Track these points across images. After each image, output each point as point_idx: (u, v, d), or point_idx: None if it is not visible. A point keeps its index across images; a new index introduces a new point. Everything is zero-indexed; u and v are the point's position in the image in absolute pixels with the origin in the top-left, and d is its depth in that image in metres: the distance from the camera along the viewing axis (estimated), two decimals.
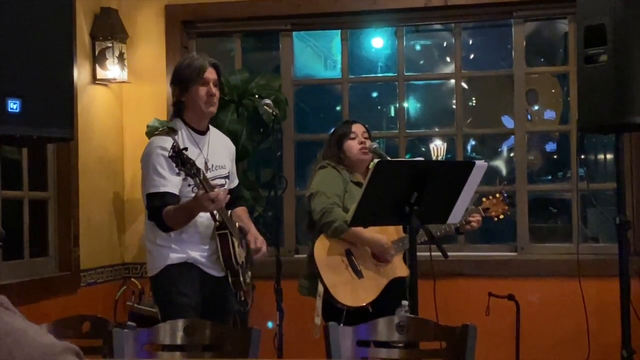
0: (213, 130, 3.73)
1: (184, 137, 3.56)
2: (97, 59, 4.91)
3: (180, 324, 2.53)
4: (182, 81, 3.57)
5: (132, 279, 4.92)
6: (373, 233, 3.93)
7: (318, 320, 3.91)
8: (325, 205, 3.93)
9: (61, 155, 4.59)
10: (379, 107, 7.89)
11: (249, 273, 3.57)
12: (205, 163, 3.54)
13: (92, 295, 4.77)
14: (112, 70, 4.93)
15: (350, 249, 3.95)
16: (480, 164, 3.45)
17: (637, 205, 4.77)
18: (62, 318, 2.79)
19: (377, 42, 6.72)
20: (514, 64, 5.13)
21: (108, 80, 4.98)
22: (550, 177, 6.94)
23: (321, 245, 3.95)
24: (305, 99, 6.32)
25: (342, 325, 3.68)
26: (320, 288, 3.90)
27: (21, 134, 2.78)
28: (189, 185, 3.31)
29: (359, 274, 3.92)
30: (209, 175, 3.45)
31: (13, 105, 2.73)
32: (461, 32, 5.24)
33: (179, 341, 2.51)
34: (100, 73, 4.92)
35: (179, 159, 3.10)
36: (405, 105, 5.37)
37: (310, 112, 7.00)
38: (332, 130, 4.32)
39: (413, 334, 2.57)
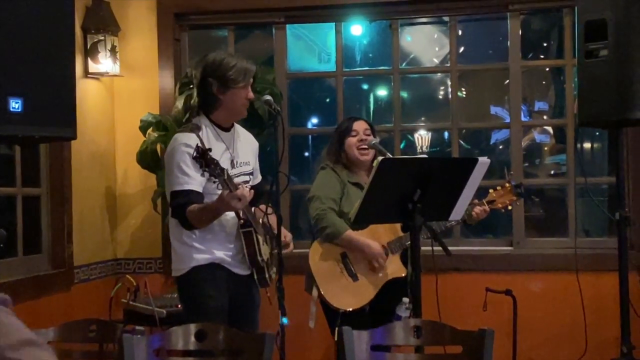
0: (237, 126, 3.67)
1: (208, 134, 3.49)
2: (89, 52, 4.84)
3: (192, 328, 2.49)
4: (226, 79, 3.47)
5: (127, 276, 4.86)
6: (365, 238, 3.91)
7: (312, 324, 3.93)
8: (318, 211, 3.95)
9: (54, 151, 4.53)
10: (371, 100, 7.87)
11: (274, 269, 3.53)
12: (232, 160, 3.49)
13: (85, 292, 4.72)
14: (104, 63, 4.87)
15: (346, 252, 3.95)
16: (483, 161, 3.42)
17: (634, 200, 4.77)
18: (69, 322, 2.74)
19: (370, 34, 6.68)
20: (510, 57, 5.10)
21: (100, 73, 4.92)
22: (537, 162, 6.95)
23: (315, 251, 3.96)
24: (298, 92, 6.27)
25: (337, 327, 3.74)
26: (315, 293, 3.89)
27: (24, 134, 2.72)
28: (214, 182, 3.25)
29: (354, 277, 3.92)
30: (234, 171, 3.42)
31: (15, 105, 2.67)
32: (456, 25, 5.22)
33: (191, 346, 2.47)
34: (92, 67, 4.86)
35: (203, 159, 3.06)
36: (399, 97, 5.32)
37: (303, 106, 6.96)
38: (336, 127, 4.29)
39: (429, 338, 2.54)
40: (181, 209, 3.33)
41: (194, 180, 3.36)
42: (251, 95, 3.53)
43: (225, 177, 3.13)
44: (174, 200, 3.38)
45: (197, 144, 3.20)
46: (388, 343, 2.61)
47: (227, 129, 3.58)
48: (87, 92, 4.88)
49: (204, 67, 3.54)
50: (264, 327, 3.11)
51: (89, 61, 4.85)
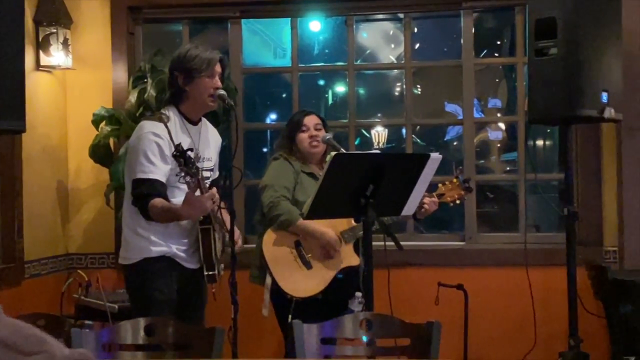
0: (204, 121, 3.67)
1: (176, 125, 3.49)
2: (41, 45, 4.78)
3: (142, 322, 2.48)
4: (189, 70, 3.48)
5: (79, 271, 4.82)
6: (320, 226, 3.94)
7: (265, 311, 3.96)
8: (272, 199, 3.95)
9: (4, 144, 4.46)
10: (326, 95, 7.89)
11: (222, 265, 3.54)
12: (196, 155, 3.49)
13: (36, 287, 4.67)
14: (56, 56, 4.81)
15: (300, 240, 3.97)
16: (435, 156, 3.47)
17: (583, 196, 4.86)
18: (16, 317, 2.70)
19: (326, 30, 6.70)
20: (463, 54, 5.16)
21: (52, 66, 4.86)
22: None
23: (269, 239, 3.97)
24: (253, 87, 6.26)
25: (290, 316, 3.76)
26: (268, 280, 3.92)
27: None
28: (176, 175, 3.24)
29: (307, 265, 3.94)
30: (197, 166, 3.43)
31: None
32: (411, 22, 5.26)
33: (140, 341, 2.47)
34: (44, 59, 4.80)
35: (182, 158, 3.06)
36: (354, 93, 5.35)
37: (259, 101, 6.96)
38: (288, 120, 4.30)
39: (378, 331, 2.57)
40: (145, 199, 3.32)
41: (160, 170, 3.36)
42: (218, 84, 3.54)
43: (200, 177, 3.14)
44: (137, 188, 3.36)
45: (178, 145, 3.17)
46: (338, 336, 2.63)
47: (195, 122, 3.58)
48: (38, 85, 4.82)
49: (171, 61, 3.60)
50: (214, 322, 3.11)
51: (41, 54, 4.79)
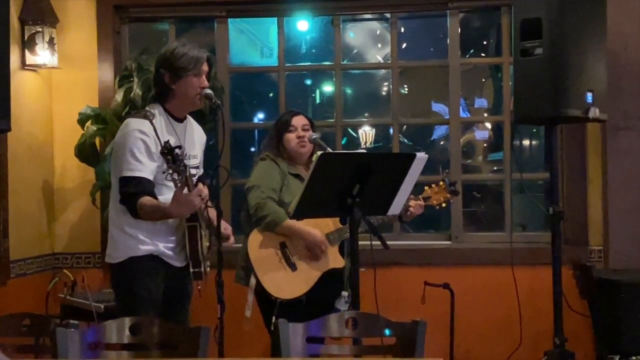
0: (189, 118, 3.66)
1: (162, 122, 3.47)
2: (27, 44, 4.77)
3: (127, 321, 2.48)
4: (176, 68, 3.46)
5: (64, 270, 4.79)
6: (307, 226, 3.94)
7: (249, 313, 3.94)
8: (259, 200, 3.94)
9: None
10: (313, 95, 7.89)
11: (208, 262, 3.53)
12: (182, 151, 3.48)
13: (22, 287, 4.65)
14: (41, 55, 4.80)
15: (285, 242, 3.96)
16: (421, 156, 3.48)
17: (568, 196, 4.88)
18: (1, 316, 2.70)
19: (313, 30, 6.70)
20: (449, 54, 5.18)
21: (38, 65, 4.85)
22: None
23: (254, 239, 3.96)
24: (240, 87, 6.26)
25: (274, 317, 3.76)
26: (253, 281, 3.91)
27: None
28: (163, 172, 3.23)
29: (292, 267, 3.94)
30: None
31: None
32: (397, 22, 5.27)
33: (126, 340, 2.46)
34: (30, 58, 4.78)
35: (170, 156, 3.05)
36: (341, 93, 5.35)
37: (246, 101, 6.95)
38: (275, 120, 4.29)
39: (364, 330, 2.57)
40: (133, 198, 3.31)
41: (147, 168, 3.35)
42: (205, 83, 3.53)
43: (188, 175, 3.14)
44: (125, 187, 3.35)
45: (166, 142, 3.16)
46: (324, 335, 2.64)
47: (181, 120, 3.58)
48: (24, 84, 4.80)
49: (157, 59, 3.57)
50: (199, 322, 3.11)
51: (27, 53, 4.77)
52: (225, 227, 3.59)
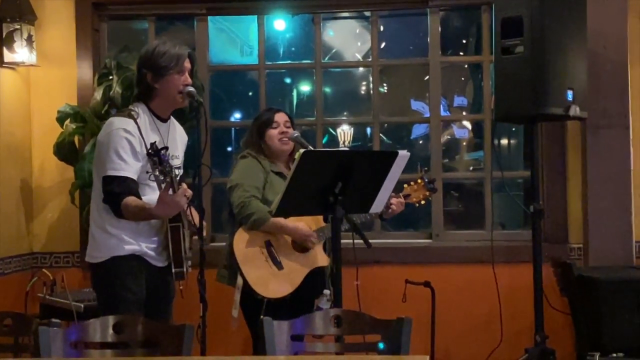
0: (173, 119, 3.64)
1: (146, 122, 3.45)
2: (5, 41, 4.73)
3: (110, 320, 2.46)
4: (158, 67, 3.44)
5: (43, 270, 4.76)
6: (292, 222, 3.92)
7: (235, 312, 3.92)
8: (243, 199, 3.92)
9: None
10: (293, 93, 7.87)
11: (189, 262, 3.51)
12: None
13: (0, 286, 4.60)
14: (20, 53, 4.76)
15: (270, 240, 3.95)
16: (403, 154, 3.49)
17: (548, 194, 4.90)
18: None
19: (293, 28, 6.69)
20: (430, 52, 5.18)
21: (16, 63, 4.81)
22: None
23: (240, 238, 3.93)
24: (220, 85, 6.24)
25: (262, 315, 3.74)
26: (240, 281, 3.89)
27: None
28: (147, 172, 3.21)
29: (279, 265, 3.92)
30: None
31: None
32: (377, 20, 5.27)
33: (109, 338, 2.44)
34: (8, 56, 4.74)
35: (157, 157, 3.03)
36: (321, 91, 5.35)
37: (225, 99, 6.93)
38: (254, 118, 4.28)
39: (349, 328, 2.57)
40: (117, 197, 3.28)
41: (131, 167, 3.33)
42: (189, 80, 3.51)
43: (174, 176, 3.12)
44: (109, 186, 3.32)
45: (153, 143, 3.14)
46: (308, 333, 2.63)
47: (164, 119, 3.56)
48: (2, 82, 4.76)
49: (138, 59, 3.55)
50: (182, 320, 3.09)
51: (5, 50, 4.73)
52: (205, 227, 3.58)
